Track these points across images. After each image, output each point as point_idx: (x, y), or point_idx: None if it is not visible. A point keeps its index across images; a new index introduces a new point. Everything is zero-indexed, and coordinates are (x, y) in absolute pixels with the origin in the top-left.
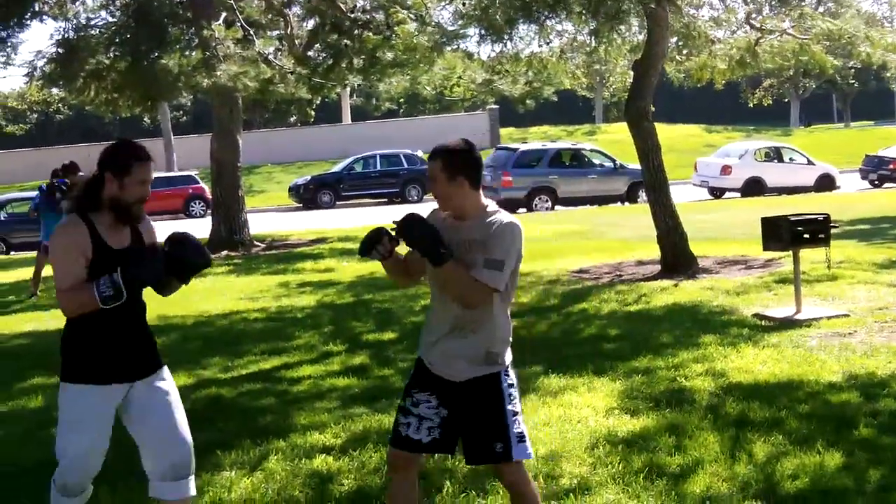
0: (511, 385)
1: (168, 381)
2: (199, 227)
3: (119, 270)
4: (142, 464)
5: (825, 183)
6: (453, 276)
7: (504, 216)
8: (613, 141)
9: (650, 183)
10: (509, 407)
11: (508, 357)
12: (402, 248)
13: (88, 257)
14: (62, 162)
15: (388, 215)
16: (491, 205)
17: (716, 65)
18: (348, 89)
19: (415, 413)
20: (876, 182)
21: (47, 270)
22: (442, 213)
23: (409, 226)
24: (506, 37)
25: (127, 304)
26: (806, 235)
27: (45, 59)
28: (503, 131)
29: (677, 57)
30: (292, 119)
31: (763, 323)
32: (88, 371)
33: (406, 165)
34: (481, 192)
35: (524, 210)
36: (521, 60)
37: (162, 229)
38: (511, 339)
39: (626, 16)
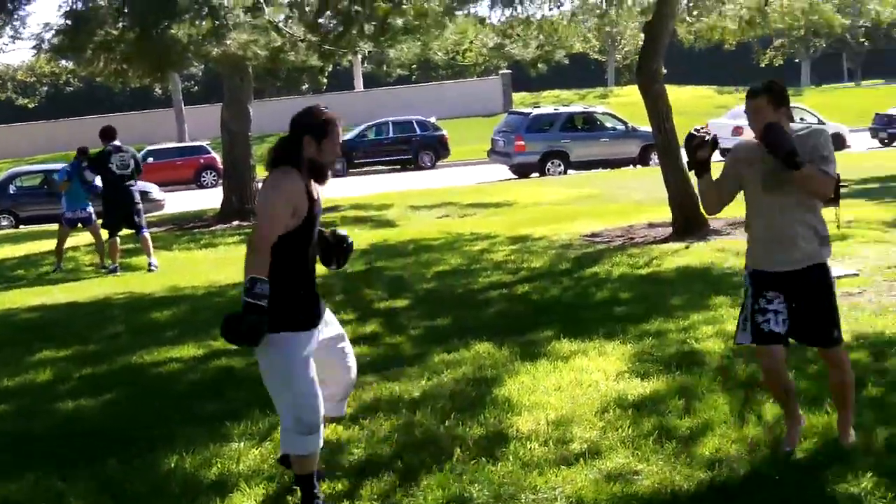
0: (831, 278)
1: (332, 318)
2: (211, 198)
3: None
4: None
5: (836, 142)
6: (810, 175)
7: (811, 127)
8: (626, 104)
9: (661, 145)
10: (834, 294)
11: (829, 252)
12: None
13: (301, 210)
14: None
15: (401, 182)
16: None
17: (725, 25)
18: (360, 56)
19: (769, 310)
20: (886, 141)
21: (69, 242)
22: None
23: (776, 132)
24: (517, 0)
25: (312, 257)
26: None
27: (52, 31)
28: (515, 96)
29: (687, 18)
30: (304, 87)
31: None
32: (298, 319)
33: (419, 132)
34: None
35: (536, 174)
36: (532, 24)
37: (172, 200)
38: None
39: None
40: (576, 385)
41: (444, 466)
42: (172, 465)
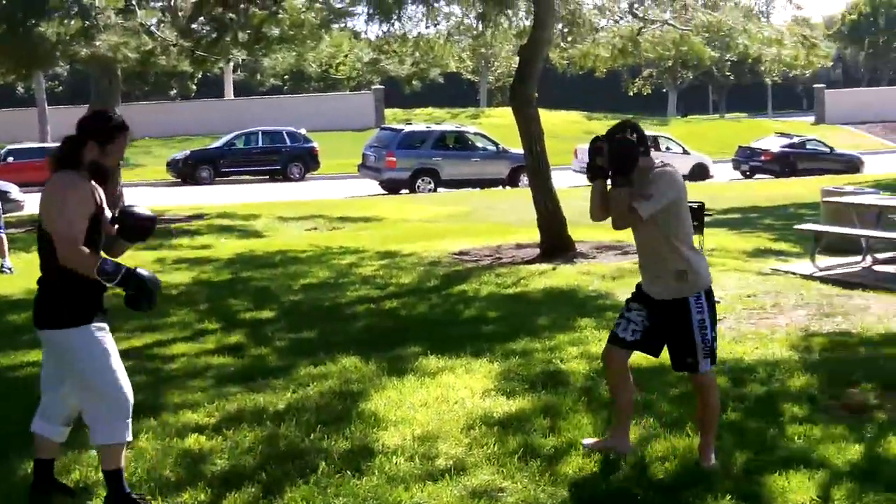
0: (700, 310)
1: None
2: None
3: (129, 269)
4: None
5: (699, 172)
6: (619, 198)
7: (660, 168)
8: (497, 125)
9: (532, 168)
10: (698, 328)
11: (702, 285)
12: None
13: (92, 213)
14: None
15: (269, 193)
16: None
17: (599, 52)
18: (232, 64)
19: (626, 317)
20: (748, 172)
21: None
22: None
23: (622, 144)
24: (394, 17)
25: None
26: None
27: None
28: (388, 112)
29: (562, 44)
30: (173, 92)
31: None
32: (90, 313)
33: (289, 143)
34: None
35: (406, 191)
36: (408, 41)
37: (33, 201)
38: (704, 272)
39: (514, 0)
40: (442, 401)
41: (308, 479)
42: (28, 471)
